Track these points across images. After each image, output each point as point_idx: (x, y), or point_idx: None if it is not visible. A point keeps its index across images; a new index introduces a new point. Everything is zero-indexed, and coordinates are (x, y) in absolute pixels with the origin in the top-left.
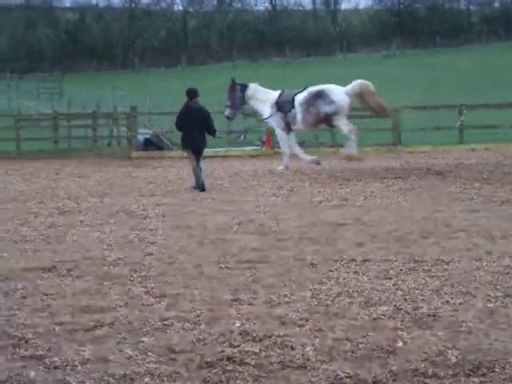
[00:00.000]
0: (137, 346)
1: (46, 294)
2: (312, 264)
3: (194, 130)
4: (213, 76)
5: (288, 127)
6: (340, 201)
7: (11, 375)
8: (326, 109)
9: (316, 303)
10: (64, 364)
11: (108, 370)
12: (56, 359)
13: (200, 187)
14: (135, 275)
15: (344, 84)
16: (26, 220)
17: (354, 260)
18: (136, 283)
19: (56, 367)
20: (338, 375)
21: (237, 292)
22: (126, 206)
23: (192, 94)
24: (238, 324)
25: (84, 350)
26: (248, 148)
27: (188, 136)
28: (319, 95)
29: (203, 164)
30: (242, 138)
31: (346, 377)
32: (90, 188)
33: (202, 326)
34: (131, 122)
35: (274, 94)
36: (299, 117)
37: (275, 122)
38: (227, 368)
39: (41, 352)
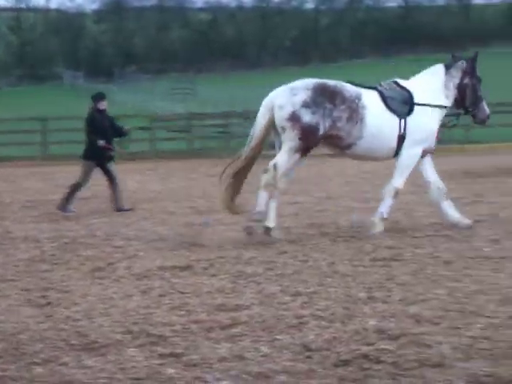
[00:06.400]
0: (272, 343)
1: (183, 293)
2: (447, 261)
3: None
4: (343, 73)
5: None
6: (474, 197)
7: (150, 373)
8: None
9: (451, 301)
10: (201, 362)
11: (244, 367)
12: (194, 357)
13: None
14: (270, 273)
15: None
16: (161, 219)
17: (489, 257)
18: (270, 281)
19: (194, 365)
20: (476, 374)
21: (371, 290)
22: None
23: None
24: (373, 322)
25: (220, 348)
26: None
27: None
28: None
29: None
30: None
31: (485, 375)
32: None
33: (337, 324)
34: None
35: None
36: None
37: None
38: (363, 366)
39: (179, 350)
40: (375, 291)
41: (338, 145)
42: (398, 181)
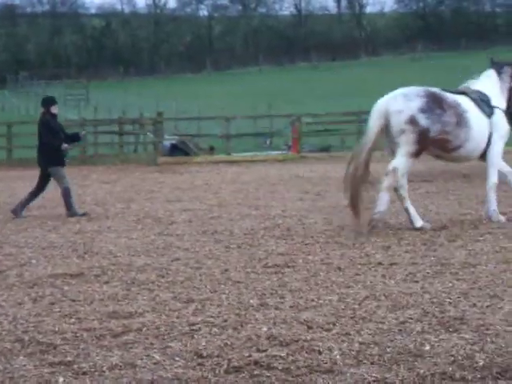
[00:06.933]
0: (164, 351)
1: (74, 300)
2: (339, 268)
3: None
4: (239, 80)
5: None
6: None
7: (40, 381)
8: None
9: (343, 307)
10: (92, 370)
11: (136, 375)
12: (84, 365)
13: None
14: (162, 280)
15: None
16: (53, 226)
17: (380, 263)
18: (163, 288)
19: (84, 373)
20: (365, 379)
21: (264, 297)
22: (152, 211)
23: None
24: (265, 328)
25: (112, 356)
26: (274, 152)
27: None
28: None
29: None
30: (268, 142)
31: (374, 381)
32: (117, 194)
33: (229, 331)
34: (157, 127)
35: None
36: None
37: None
38: (254, 372)
39: (69, 358)
40: (267, 298)
41: (446, 148)
42: (493, 177)
